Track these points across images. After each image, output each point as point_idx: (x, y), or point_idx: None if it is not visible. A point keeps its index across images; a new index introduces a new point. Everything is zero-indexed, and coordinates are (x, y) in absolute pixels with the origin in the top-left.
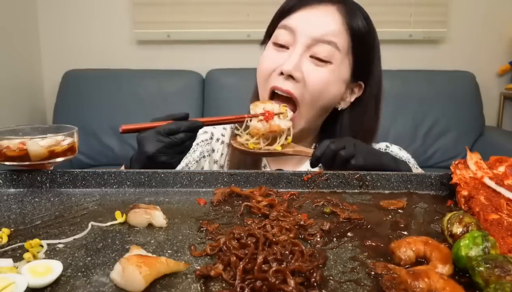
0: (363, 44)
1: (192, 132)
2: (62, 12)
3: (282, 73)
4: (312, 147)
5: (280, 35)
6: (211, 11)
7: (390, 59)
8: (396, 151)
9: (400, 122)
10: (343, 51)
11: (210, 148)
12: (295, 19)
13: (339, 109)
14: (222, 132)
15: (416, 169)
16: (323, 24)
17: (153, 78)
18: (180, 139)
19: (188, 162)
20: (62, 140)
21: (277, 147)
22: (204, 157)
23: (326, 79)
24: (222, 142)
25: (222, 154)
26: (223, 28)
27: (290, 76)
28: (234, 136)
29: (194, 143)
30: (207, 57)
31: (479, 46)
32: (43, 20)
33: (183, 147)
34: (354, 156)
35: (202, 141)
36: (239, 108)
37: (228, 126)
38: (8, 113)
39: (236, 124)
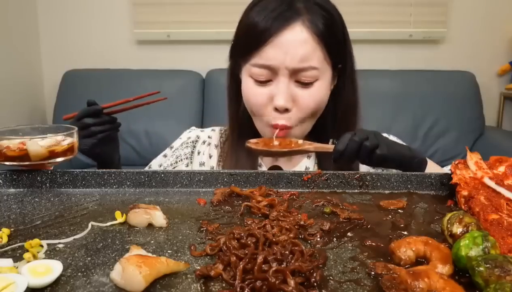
0: (332, 36)
1: (93, 117)
2: (62, 12)
3: (276, 109)
4: (330, 142)
5: (257, 73)
6: (211, 11)
7: (390, 59)
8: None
9: (400, 122)
10: (322, 63)
11: (188, 151)
12: (267, 56)
13: None
14: (209, 134)
15: None
16: (295, 51)
17: (153, 78)
18: (85, 124)
19: (166, 166)
20: (62, 140)
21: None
22: (181, 160)
23: (317, 97)
24: (209, 144)
25: (211, 156)
26: (223, 28)
27: (285, 109)
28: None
29: (170, 152)
30: (207, 57)
31: (479, 46)
32: (43, 20)
33: (89, 131)
34: (378, 146)
35: (181, 145)
36: None
37: (217, 128)
38: (8, 113)
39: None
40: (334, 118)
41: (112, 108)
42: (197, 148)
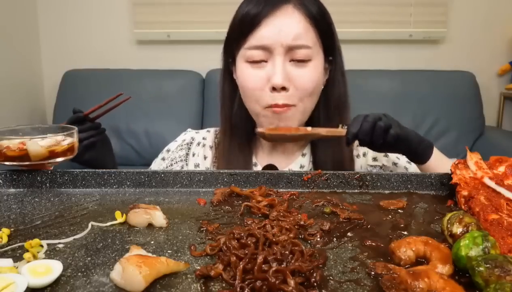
0: (322, 20)
1: (77, 124)
2: (62, 12)
3: (274, 89)
4: (340, 127)
5: (253, 55)
6: (211, 11)
7: (390, 59)
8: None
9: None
10: (315, 44)
11: (183, 153)
12: (261, 36)
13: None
14: (203, 136)
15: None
16: (289, 29)
17: (153, 78)
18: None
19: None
20: (62, 140)
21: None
22: (176, 162)
23: (312, 76)
24: (204, 145)
25: (206, 157)
26: (223, 28)
27: (282, 88)
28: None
29: (167, 155)
30: (207, 57)
31: (479, 46)
32: (43, 20)
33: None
34: (391, 125)
35: (176, 147)
36: None
37: (212, 129)
38: (8, 113)
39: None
40: (327, 112)
41: (93, 114)
42: (191, 150)
